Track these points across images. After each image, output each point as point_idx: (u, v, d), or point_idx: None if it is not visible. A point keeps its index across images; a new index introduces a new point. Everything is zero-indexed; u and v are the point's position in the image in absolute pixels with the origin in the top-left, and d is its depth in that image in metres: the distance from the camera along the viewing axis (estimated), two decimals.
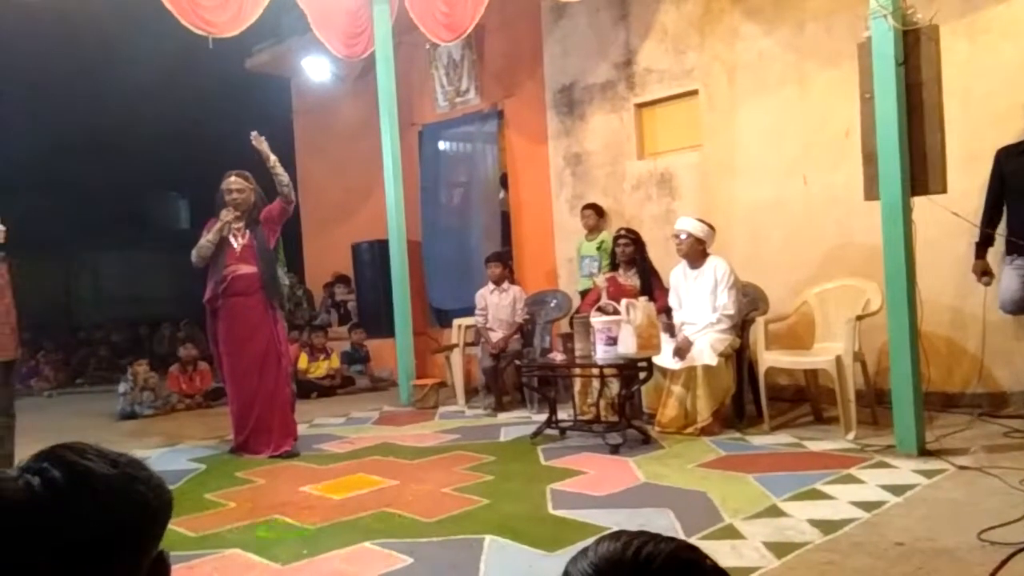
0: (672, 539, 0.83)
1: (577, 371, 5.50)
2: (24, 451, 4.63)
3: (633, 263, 5.96)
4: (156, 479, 0.96)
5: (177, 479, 4.73)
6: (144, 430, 6.84)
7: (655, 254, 6.17)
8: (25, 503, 0.85)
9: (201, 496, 4.31)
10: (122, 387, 7.76)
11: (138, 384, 7.74)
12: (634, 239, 5.97)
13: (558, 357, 5.54)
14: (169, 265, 16.47)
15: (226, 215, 5.35)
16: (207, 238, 5.36)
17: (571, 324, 5.68)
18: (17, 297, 4.90)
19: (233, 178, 5.41)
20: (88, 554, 0.86)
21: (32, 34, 9.56)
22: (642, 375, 5.08)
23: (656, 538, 0.82)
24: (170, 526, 1.00)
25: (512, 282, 7.12)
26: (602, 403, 5.34)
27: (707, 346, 5.10)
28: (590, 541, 0.86)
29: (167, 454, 5.63)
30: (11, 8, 6.20)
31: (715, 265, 5.34)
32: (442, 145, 9.00)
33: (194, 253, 5.42)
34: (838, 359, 4.81)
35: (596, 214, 7.00)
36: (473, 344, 7.21)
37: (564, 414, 5.49)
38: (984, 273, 4.87)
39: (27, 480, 0.87)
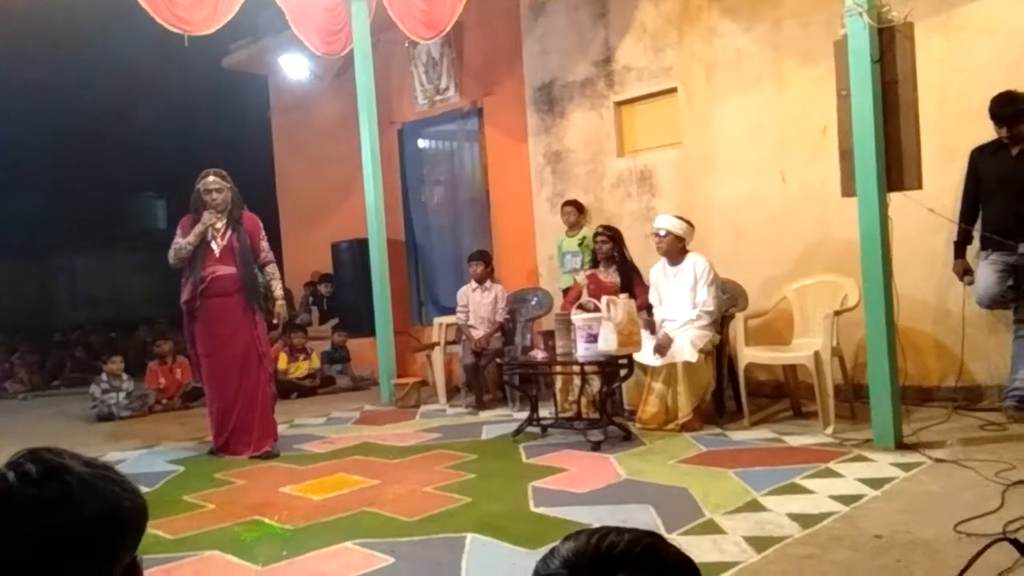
0: (635, 530, 0.87)
1: (558, 369, 5.51)
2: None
3: (612, 260, 5.97)
4: (131, 485, 0.98)
5: (155, 481, 4.68)
6: (121, 432, 6.76)
7: (635, 251, 6.19)
8: None
9: (180, 498, 4.27)
10: (94, 389, 7.64)
11: (113, 386, 7.64)
12: (611, 236, 5.98)
13: (539, 355, 5.55)
14: (146, 266, 16.33)
15: (209, 218, 5.26)
16: (187, 240, 5.27)
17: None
18: None
19: (211, 177, 5.33)
20: (58, 549, 0.86)
21: (5, 34, 9.43)
22: (623, 372, 5.10)
23: (619, 530, 0.86)
24: (148, 528, 0.99)
25: (494, 281, 7.12)
26: (583, 400, 5.35)
27: (687, 343, 5.13)
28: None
29: (145, 456, 5.58)
30: None
31: (695, 262, 5.37)
32: (422, 143, 8.99)
33: (171, 254, 5.34)
34: (816, 354, 4.85)
35: (577, 210, 7.01)
36: (454, 342, 7.20)
37: (545, 412, 5.49)
38: (965, 272, 4.93)
39: (2, 474, 0.88)
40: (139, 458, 5.49)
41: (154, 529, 3.55)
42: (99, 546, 0.89)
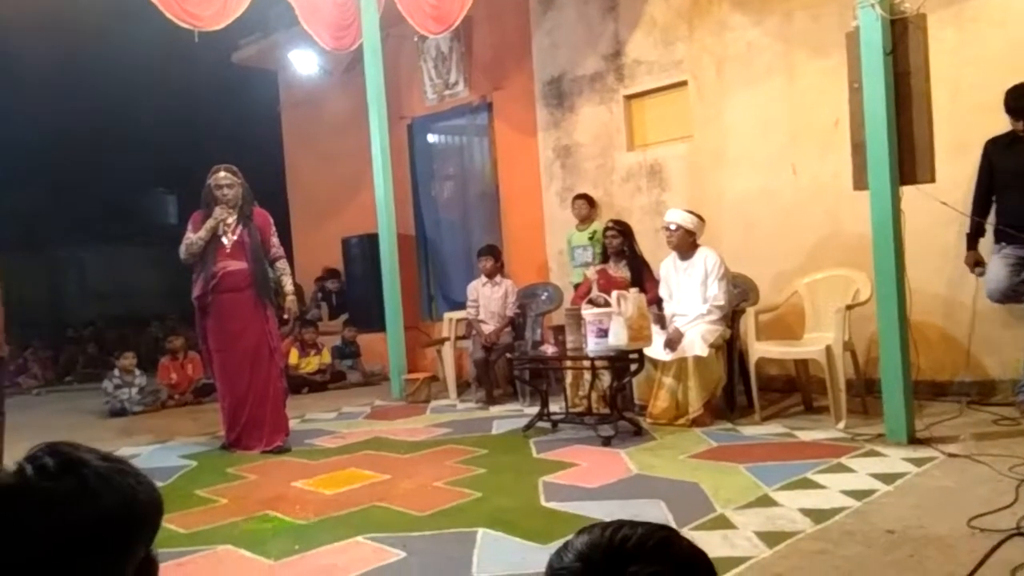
0: (648, 523, 0.87)
1: (568, 363, 5.50)
2: (12, 449, 4.59)
3: (622, 255, 5.96)
4: (147, 479, 0.99)
5: (168, 476, 4.71)
6: (134, 427, 6.80)
7: (645, 246, 6.18)
8: (16, 486, 0.88)
9: (192, 492, 4.30)
10: (107, 385, 7.70)
11: (126, 381, 7.69)
12: (621, 231, 5.97)
13: (549, 350, 5.54)
14: (158, 261, 16.39)
15: (221, 213, 5.27)
16: (198, 235, 5.29)
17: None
18: (4, 293, 4.86)
19: (222, 173, 5.35)
20: (75, 542, 0.87)
21: (16, 29, 9.47)
22: (633, 367, 5.09)
23: (632, 523, 0.87)
24: (161, 523, 1.00)
25: (504, 275, 7.12)
26: (593, 395, 5.35)
27: (698, 337, 5.11)
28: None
29: (158, 451, 5.61)
30: None
31: (705, 256, 5.35)
32: (431, 138, 9.00)
33: (183, 249, 5.36)
34: (828, 349, 4.83)
35: (588, 204, 7.00)
36: (464, 338, 7.20)
37: (556, 407, 5.49)
38: (977, 264, 4.89)
39: (20, 467, 0.90)
40: (152, 453, 5.53)
41: (167, 523, 3.55)
42: (115, 539, 0.90)
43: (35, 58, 11.41)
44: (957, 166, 4.82)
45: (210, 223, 5.28)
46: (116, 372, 7.79)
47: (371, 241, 8.18)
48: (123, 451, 5.52)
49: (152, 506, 0.96)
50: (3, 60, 10.91)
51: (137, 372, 7.86)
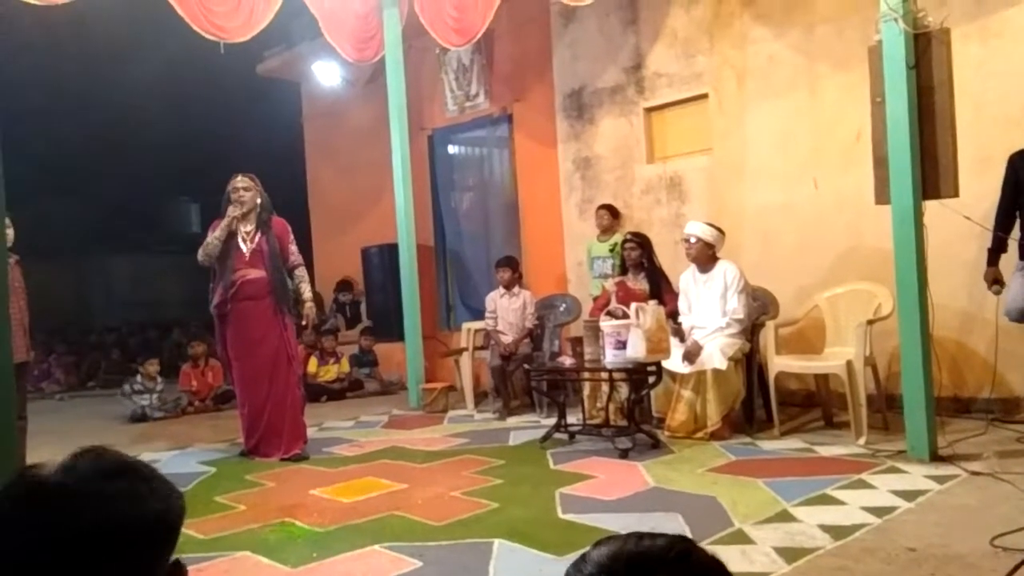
0: (667, 534, 0.87)
1: (586, 375, 5.50)
2: (35, 453, 4.65)
3: (641, 267, 5.95)
4: (176, 487, 1.01)
5: (187, 482, 4.74)
6: (154, 433, 6.86)
7: (665, 258, 6.16)
8: (68, 484, 0.90)
9: (211, 499, 4.33)
10: (126, 388, 7.79)
11: (147, 388, 7.77)
12: (640, 243, 5.96)
13: (567, 361, 5.54)
14: (180, 269, 16.59)
15: (233, 211, 5.36)
16: (215, 235, 5.37)
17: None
18: (29, 299, 4.94)
19: (240, 178, 5.45)
20: (117, 541, 0.89)
21: (44, 39, 9.64)
22: (651, 379, 5.07)
23: (651, 534, 0.87)
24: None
25: (522, 286, 7.13)
26: (611, 407, 5.33)
27: (717, 350, 5.09)
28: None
29: (177, 457, 5.65)
30: (24, 14, 6.23)
31: (725, 269, 5.33)
32: (452, 149, 9.04)
33: (201, 251, 5.42)
34: (849, 364, 4.79)
35: (610, 215, 6.98)
36: (482, 348, 7.21)
37: (573, 418, 5.48)
38: (995, 281, 4.82)
39: (72, 466, 0.93)
40: (172, 459, 5.57)
41: (186, 529, 3.57)
42: (153, 542, 0.92)
43: (62, 69, 11.61)
44: (981, 180, 4.78)
45: (225, 222, 5.36)
46: (138, 378, 7.87)
47: (391, 251, 8.22)
48: (143, 457, 5.55)
49: (183, 512, 0.99)
50: (32, 71, 11.10)
51: (159, 379, 7.95)
